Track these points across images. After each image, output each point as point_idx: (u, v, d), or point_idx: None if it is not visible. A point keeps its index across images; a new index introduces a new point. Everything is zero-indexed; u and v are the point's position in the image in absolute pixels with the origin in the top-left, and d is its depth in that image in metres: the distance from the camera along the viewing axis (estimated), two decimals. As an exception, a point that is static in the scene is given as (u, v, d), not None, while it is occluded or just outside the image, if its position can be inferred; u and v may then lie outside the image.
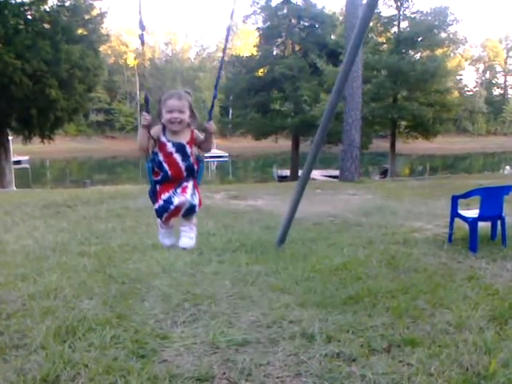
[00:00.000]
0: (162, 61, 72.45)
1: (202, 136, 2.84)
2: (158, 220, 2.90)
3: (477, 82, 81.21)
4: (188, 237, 2.92)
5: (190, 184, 2.75)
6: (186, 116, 2.70)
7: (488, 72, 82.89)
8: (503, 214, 5.27)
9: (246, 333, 2.96)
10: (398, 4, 25.40)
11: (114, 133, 63.58)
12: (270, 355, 2.69)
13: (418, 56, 26.27)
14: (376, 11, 21.66)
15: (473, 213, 5.35)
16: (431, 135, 26.68)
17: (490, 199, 5.19)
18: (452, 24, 25.48)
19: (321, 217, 7.27)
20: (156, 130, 2.73)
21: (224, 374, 2.51)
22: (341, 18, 31.64)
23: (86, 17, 20.70)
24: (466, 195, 5.39)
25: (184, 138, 2.75)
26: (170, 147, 2.71)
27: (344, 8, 18.67)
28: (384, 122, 25.30)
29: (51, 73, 18.68)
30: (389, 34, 26.79)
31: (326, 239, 5.65)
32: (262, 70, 34.84)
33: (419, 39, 25.14)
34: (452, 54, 34.17)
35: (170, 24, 75.14)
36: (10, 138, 23.70)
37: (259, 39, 35.93)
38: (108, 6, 38.86)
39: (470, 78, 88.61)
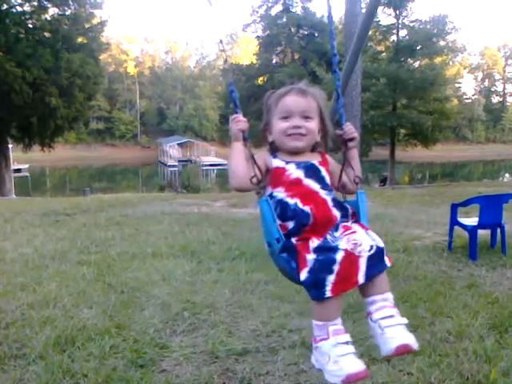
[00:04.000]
0: (162, 69, 72.74)
1: (337, 164, 1.79)
2: (315, 322, 1.56)
3: (476, 89, 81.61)
4: (402, 325, 1.60)
5: (353, 225, 1.69)
6: (314, 125, 1.70)
7: (487, 80, 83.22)
8: (503, 222, 5.27)
9: (246, 342, 2.95)
10: (397, 13, 25.57)
11: (114, 141, 63.70)
12: (270, 364, 2.68)
13: (416, 64, 26.44)
14: (375, 20, 21.79)
15: (472, 221, 5.34)
16: (430, 143, 26.75)
17: (490, 207, 5.19)
18: (451, 32, 25.70)
19: (320, 225, 7.25)
20: (262, 157, 1.75)
21: (224, 383, 2.50)
22: (340, 26, 31.81)
23: (87, 25, 20.87)
24: (466, 203, 5.40)
25: (312, 158, 1.75)
26: (293, 170, 1.67)
27: (343, 17, 18.78)
28: (383, 130, 25.38)
29: (51, 81, 18.79)
30: (388, 43, 26.96)
31: (325, 247, 5.63)
32: (261, 78, 35.10)
33: (418, 47, 25.30)
34: (451, 62, 34.44)
35: (170, 32, 75.53)
36: (10, 145, 23.77)
37: (259, 48, 36.19)
38: (108, 14, 39.00)
39: (468, 86, 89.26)
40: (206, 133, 63.80)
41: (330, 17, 1.95)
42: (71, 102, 20.12)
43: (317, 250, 1.50)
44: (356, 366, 1.47)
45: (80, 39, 20.92)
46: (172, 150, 53.17)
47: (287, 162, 1.68)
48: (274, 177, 1.67)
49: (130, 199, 11.31)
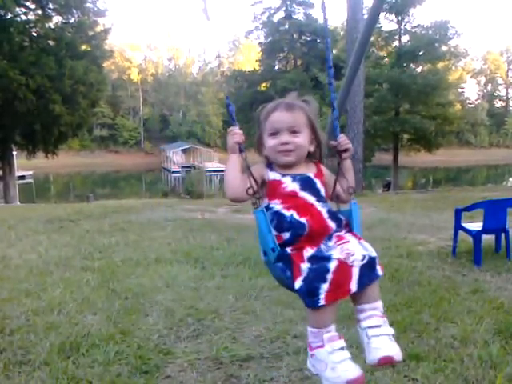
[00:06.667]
0: (165, 76, 73.05)
1: (331, 174, 1.81)
2: (310, 329, 1.60)
3: (478, 94, 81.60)
4: (387, 335, 1.56)
5: (346, 235, 1.67)
6: (303, 139, 1.72)
7: (489, 84, 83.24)
8: (507, 227, 5.26)
9: (250, 348, 2.95)
10: (399, 18, 25.63)
11: (117, 147, 63.92)
12: (274, 371, 2.68)
13: (419, 69, 26.48)
14: (377, 26, 21.84)
15: (476, 225, 5.33)
16: (434, 148, 26.74)
17: (494, 212, 5.18)
18: (453, 37, 25.71)
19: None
20: (258, 169, 1.76)
21: (228, 389, 2.50)
22: (342, 32, 31.93)
23: (90, 33, 20.99)
24: (470, 208, 5.38)
25: (307, 170, 1.77)
26: (289, 183, 1.70)
27: (345, 23, 18.84)
28: (386, 135, 25.38)
29: (55, 88, 18.88)
30: (390, 48, 27.02)
31: (329, 253, 5.62)
32: (264, 85, 35.16)
33: (420, 53, 25.33)
34: (453, 67, 34.45)
35: (173, 40, 75.97)
36: (14, 152, 23.88)
37: (261, 54, 36.30)
38: (112, 22, 39.22)
39: (471, 91, 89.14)
40: (209, 139, 63.97)
41: (326, 29, 2.00)
42: (75, 109, 20.21)
43: (311, 259, 1.53)
44: (354, 371, 1.50)
45: (84, 47, 21.05)
46: (175, 156, 53.27)
47: (283, 175, 1.71)
48: (271, 189, 1.71)
49: (134, 205, 11.33)
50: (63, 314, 3.51)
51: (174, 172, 48.17)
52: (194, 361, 2.79)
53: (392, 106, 24.51)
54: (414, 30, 25.98)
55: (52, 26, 20.21)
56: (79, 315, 3.49)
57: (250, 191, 1.66)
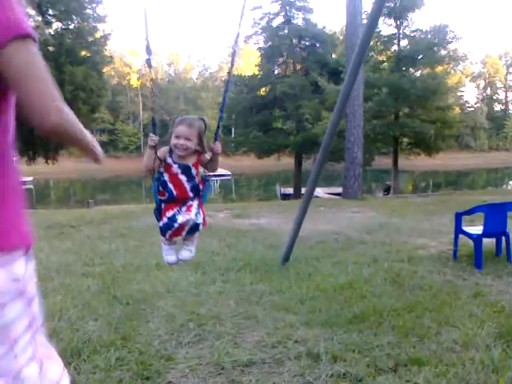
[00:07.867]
0: (164, 81, 73.24)
1: (208, 156, 2.84)
2: (162, 238, 2.89)
3: (478, 98, 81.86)
4: (188, 249, 2.92)
5: (194, 203, 2.75)
6: (192, 144, 2.70)
7: (489, 88, 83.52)
8: (507, 230, 5.26)
9: (251, 353, 2.95)
10: (398, 23, 25.67)
11: (117, 152, 63.97)
12: (276, 376, 2.68)
13: (418, 73, 26.46)
14: (376, 30, 21.90)
15: (477, 229, 5.33)
16: (433, 151, 26.71)
17: (494, 215, 5.18)
18: (452, 41, 25.71)
19: (324, 235, 7.26)
20: (163, 152, 2.75)
21: (229, 395, 2.50)
22: (341, 37, 32.03)
23: (90, 39, 21.03)
24: (470, 212, 5.39)
25: (190, 161, 2.77)
26: (175, 168, 2.72)
27: (344, 28, 18.91)
28: (386, 139, 25.35)
29: (55, 94, 18.88)
30: (389, 53, 27.01)
31: (330, 257, 5.64)
32: (263, 89, 35.15)
33: (419, 57, 25.33)
34: (452, 71, 34.49)
35: (172, 45, 76.25)
36: (15, 158, 23.89)
37: (260, 59, 36.29)
38: (111, 28, 39.34)
39: (470, 95, 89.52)
40: (209, 143, 63.96)
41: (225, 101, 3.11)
42: (75, 115, 20.23)
43: (168, 217, 2.68)
44: (174, 259, 2.87)
45: (83, 53, 21.10)
46: (175, 162, 53.29)
47: (175, 163, 2.72)
48: (166, 167, 2.73)
49: (134, 211, 11.32)
50: (64, 320, 3.51)
51: (174, 177, 48.15)
52: (196, 366, 2.79)
53: (391, 110, 24.49)
54: (412, 35, 25.99)
55: (52, 32, 20.27)
56: (80, 321, 3.49)
57: (153, 169, 2.76)
